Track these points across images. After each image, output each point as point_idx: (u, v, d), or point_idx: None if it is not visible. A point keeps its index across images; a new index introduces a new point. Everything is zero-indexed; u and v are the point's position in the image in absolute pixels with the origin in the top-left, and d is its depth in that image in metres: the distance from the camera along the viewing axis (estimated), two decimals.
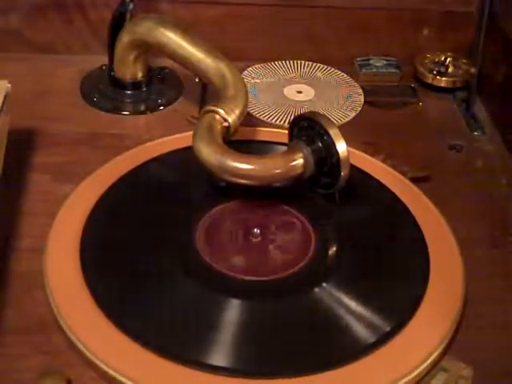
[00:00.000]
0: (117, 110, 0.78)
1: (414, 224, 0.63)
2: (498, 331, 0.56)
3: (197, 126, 0.64)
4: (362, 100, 0.82)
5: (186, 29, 0.74)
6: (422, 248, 0.60)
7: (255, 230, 0.61)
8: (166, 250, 0.59)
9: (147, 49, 0.76)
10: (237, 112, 0.66)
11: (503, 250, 0.64)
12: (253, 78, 0.85)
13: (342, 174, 0.61)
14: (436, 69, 0.84)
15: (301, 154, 0.62)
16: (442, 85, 0.84)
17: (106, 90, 0.80)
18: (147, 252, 0.59)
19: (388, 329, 0.53)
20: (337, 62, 0.87)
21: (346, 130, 0.65)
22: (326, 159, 0.61)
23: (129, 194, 0.65)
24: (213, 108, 0.65)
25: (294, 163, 0.61)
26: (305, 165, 0.61)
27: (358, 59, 0.87)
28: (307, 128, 0.63)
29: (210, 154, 0.61)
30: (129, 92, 0.79)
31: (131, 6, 0.76)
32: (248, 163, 0.60)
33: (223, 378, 0.50)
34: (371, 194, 0.67)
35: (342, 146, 0.60)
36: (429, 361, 0.52)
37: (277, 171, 0.61)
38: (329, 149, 0.61)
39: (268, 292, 0.57)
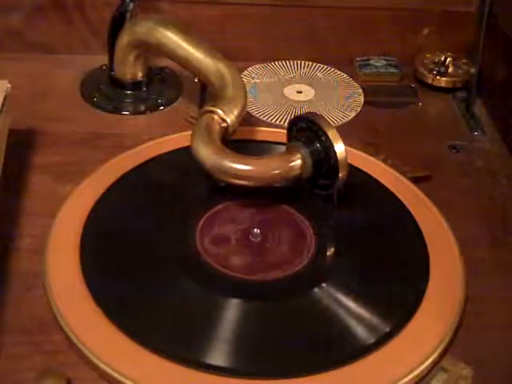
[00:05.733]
0: (117, 110, 0.78)
1: (414, 224, 0.63)
2: (498, 331, 0.56)
3: (195, 126, 0.64)
4: (362, 100, 0.82)
5: (186, 29, 0.74)
6: (422, 248, 0.61)
7: (255, 230, 0.61)
8: (165, 249, 0.59)
9: (147, 49, 0.76)
10: (235, 112, 0.66)
11: (503, 250, 0.64)
12: (253, 78, 0.85)
13: (340, 175, 0.61)
14: (436, 69, 0.84)
15: (299, 155, 0.62)
16: (442, 85, 0.84)
17: (106, 90, 0.80)
18: (147, 252, 0.59)
19: (388, 329, 0.53)
20: (337, 62, 0.87)
21: (346, 130, 0.66)
22: (324, 160, 0.61)
23: (129, 194, 0.65)
24: (211, 108, 0.65)
25: (291, 164, 0.61)
26: (303, 166, 0.61)
27: (358, 59, 0.87)
28: (306, 129, 0.63)
29: (208, 154, 0.61)
30: (129, 92, 0.79)
31: (131, 5, 0.76)
32: (245, 164, 0.60)
33: (223, 377, 0.50)
34: (371, 194, 0.67)
35: (339, 148, 0.60)
36: (429, 361, 0.52)
37: (274, 172, 0.61)
38: (327, 150, 0.61)
39: (268, 292, 0.57)
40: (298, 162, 0.61)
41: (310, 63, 0.88)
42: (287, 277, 0.58)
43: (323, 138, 0.61)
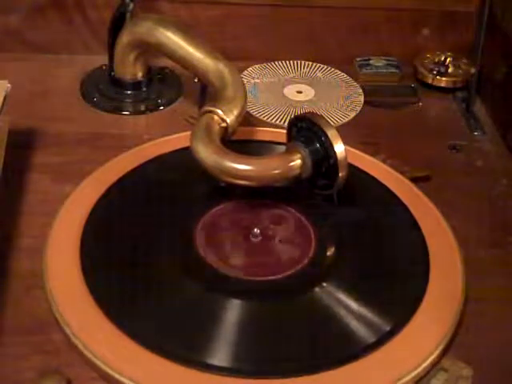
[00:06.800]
0: (117, 110, 0.78)
1: (414, 224, 0.63)
2: (498, 331, 0.56)
3: (195, 126, 0.64)
4: (362, 100, 0.82)
5: (186, 29, 0.74)
6: (422, 248, 0.60)
7: (255, 229, 0.61)
8: (165, 249, 0.59)
9: (147, 49, 0.76)
10: (235, 113, 0.66)
11: (503, 250, 0.64)
12: (253, 78, 0.85)
13: (340, 175, 0.61)
14: (436, 69, 0.84)
15: (299, 155, 0.61)
16: (442, 85, 0.84)
17: (106, 89, 0.80)
18: (147, 252, 0.59)
19: (388, 329, 0.53)
20: (337, 62, 0.87)
21: (346, 130, 0.66)
22: (324, 160, 0.61)
23: (129, 194, 0.65)
24: (211, 108, 0.65)
25: (291, 164, 0.61)
26: (302, 166, 0.61)
27: (358, 59, 0.87)
28: (305, 129, 0.63)
29: (208, 154, 0.61)
30: (129, 92, 0.79)
31: (131, 6, 0.76)
32: (245, 164, 0.60)
33: (223, 377, 0.50)
34: (371, 193, 0.67)
35: (339, 148, 0.60)
36: (429, 361, 0.52)
37: (274, 172, 0.61)
38: (327, 150, 0.61)
39: (268, 292, 0.57)
40: (297, 162, 0.61)
41: (310, 63, 0.88)
42: (287, 277, 0.58)
43: (323, 138, 0.61)
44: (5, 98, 0.65)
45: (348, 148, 0.61)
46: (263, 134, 0.74)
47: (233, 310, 0.54)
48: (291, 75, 0.86)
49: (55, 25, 0.84)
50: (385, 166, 0.70)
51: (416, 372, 0.51)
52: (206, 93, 0.77)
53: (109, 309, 0.53)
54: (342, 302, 0.56)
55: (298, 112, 0.79)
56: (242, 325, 0.54)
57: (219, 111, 0.65)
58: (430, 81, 0.84)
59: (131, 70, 0.78)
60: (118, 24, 0.76)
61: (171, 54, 0.74)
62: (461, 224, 0.64)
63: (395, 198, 0.65)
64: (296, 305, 0.56)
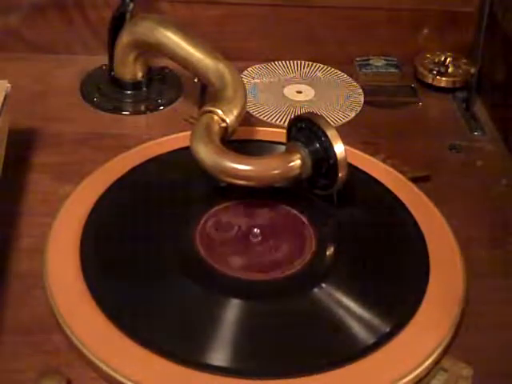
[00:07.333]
0: (117, 110, 0.78)
1: (414, 224, 0.63)
2: (497, 331, 0.56)
3: (195, 126, 0.64)
4: (362, 100, 0.82)
5: (186, 29, 0.74)
6: (421, 248, 0.60)
7: (255, 229, 0.61)
8: (165, 249, 0.59)
9: (147, 49, 0.76)
10: (235, 113, 0.66)
11: (503, 250, 0.64)
12: (253, 78, 0.85)
13: (340, 175, 0.61)
14: (436, 69, 0.84)
15: (298, 155, 0.62)
16: (442, 85, 0.84)
17: (106, 89, 0.80)
18: (147, 252, 0.59)
19: (388, 329, 0.53)
20: (337, 61, 0.87)
21: (346, 130, 0.66)
22: (324, 160, 0.61)
23: (129, 194, 0.65)
24: (211, 108, 0.65)
25: (291, 164, 0.61)
26: (302, 166, 0.61)
27: (358, 59, 0.87)
28: (305, 129, 0.63)
29: (208, 154, 0.61)
30: (129, 92, 0.79)
31: (131, 6, 0.76)
32: (245, 164, 0.60)
33: (223, 378, 0.50)
34: (371, 193, 0.67)
35: (339, 148, 0.60)
36: (429, 361, 0.52)
37: (274, 172, 0.61)
38: (326, 150, 0.61)
39: (267, 292, 0.57)
40: (297, 162, 0.61)
41: (310, 63, 0.88)
42: (287, 277, 0.58)
43: (323, 138, 0.61)
44: (5, 98, 0.65)
45: (348, 148, 0.61)
46: (263, 133, 0.74)
47: (232, 310, 0.54)
48: (291, 75, 0.86)
49: (55, 25, 0.84)
50: (385, 166, 0.70)
51: (416, 372, 0.51)
52: (206, 93, 0.77)
53: (109, 309, 0.53)
54: (341, 302, 0.56)
55: (298, 112, 0.79)
56: (241, 325, 0.54)
57: (219, 111, 0.65)
58: (430, 81, 0.84)
59: (131, 70, 0.78)
60: (118, 24, 0.76)
61: (171, 54, 0.74)
62: (461, 224, 0.64)
63: (395, 198, 0.65)
64: (295, 305, 0.56)
